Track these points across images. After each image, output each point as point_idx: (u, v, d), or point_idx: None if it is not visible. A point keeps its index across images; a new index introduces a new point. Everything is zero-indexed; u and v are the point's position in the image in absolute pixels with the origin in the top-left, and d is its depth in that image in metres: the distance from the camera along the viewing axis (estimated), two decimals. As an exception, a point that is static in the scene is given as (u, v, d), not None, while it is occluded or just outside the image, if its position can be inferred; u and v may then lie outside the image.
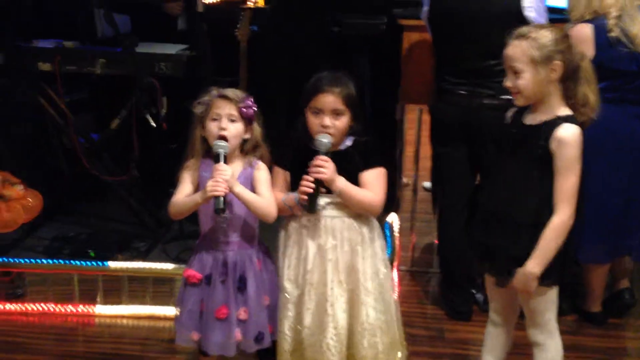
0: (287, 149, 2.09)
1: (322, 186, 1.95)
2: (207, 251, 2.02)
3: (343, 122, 1.98)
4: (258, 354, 2.13)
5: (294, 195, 1.99)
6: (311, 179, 1.92)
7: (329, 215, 1.99)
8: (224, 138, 1.94)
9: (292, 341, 2.02)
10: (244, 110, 1.96)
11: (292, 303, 2.01)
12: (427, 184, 3.61)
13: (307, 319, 1.98)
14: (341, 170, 1.96)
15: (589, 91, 1.85)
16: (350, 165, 2.00)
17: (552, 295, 1.97)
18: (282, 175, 2.06)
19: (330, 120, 1.96)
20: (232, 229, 2.00)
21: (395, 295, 2.19)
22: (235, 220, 1.99)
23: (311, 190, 1.92)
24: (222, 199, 1.87)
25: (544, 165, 1.84)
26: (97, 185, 3.52)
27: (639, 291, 2.97)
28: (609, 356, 2.59)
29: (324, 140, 1.95)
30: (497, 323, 2.14)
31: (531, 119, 1.90)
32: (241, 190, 1.92)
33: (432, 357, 2.53)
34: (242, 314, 1.98)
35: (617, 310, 2.86)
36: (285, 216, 2.08)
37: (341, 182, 1.95)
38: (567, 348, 2.47)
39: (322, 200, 1.98)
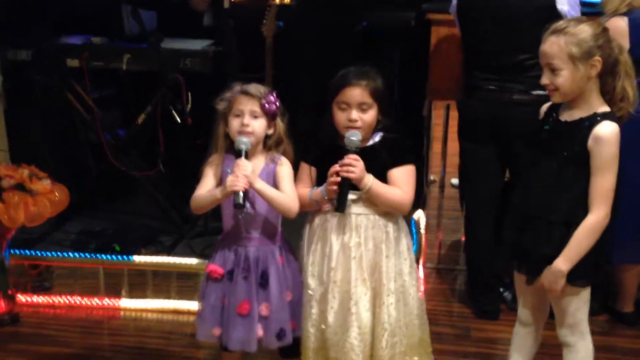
0: (314, 145, 2.06)
1: (351, 185, 1.91)
2: (229, 247, 2.00)
3: (371, 115, 1.94)
4: (280, 351, 2.12)
5: (320, 190, 1.96)
6: (339, 170, 1.89)
7: (355, 212, 1.96)
8: (246, 134, 1.93)
9: (316, 340, 1.99)
10: (267, 106, 1.94)
11: (316, 300, 1.98)
12: (455, 181, 3.56)
13: (331, 318, 1.96)
14: (368, 167, 1.92)
15: (628, 85, 1.79)
16: (378, 162, 1.95)
17: (584, 295, 1.91)
18: (308, 170, 2.04)
19: (357, 114, 1.92)
20: (254, 225, 1.98)
21: (421, 294, 2.14)
22: (257, 216, 1.97)
23: (339, 180, 1.89)
24: (241, 194, 1.85)
25: (579, 163, 1.79)
26: (124, 180, 3.55)
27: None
28: (641, 358, 2.53)
29: (353, 138, 1.91)
30: (525, 322, 2.09)
31: (567, 115, 1.84)
32: (262, 186, 1.91)
33: (457, 356, 2.49)
34: (264, 310, 1.96)
35: (651, 311, 2.79)
36: (310, 212, 2.06)
37: (370, 180, 1.92)
38: (598, 349, 2.40)
39: (349, 197, 1.94)
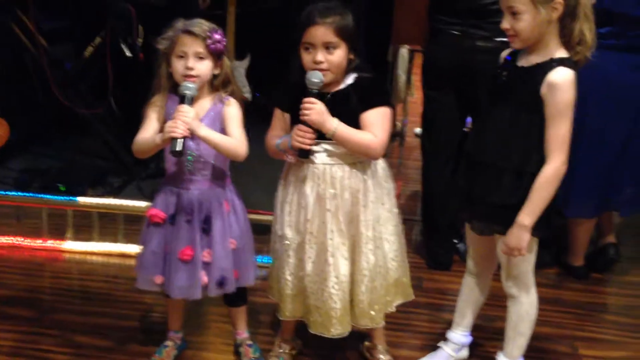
0: (285, 90, 1.93)
1: (320, 134, 1.81)
2: (172, 190, 1.91)
3: (338, 56, 1.81)
4: (225, 299, 2.06)
5: (287, 140, 1.86)
6: (309, 130, 1.78)
7: (328, 162, 1.87)
8: (191, 78, 1.80)
9: (294, 286, 1.95)
10: (212, 46, 1.81)
11: (293, 250, 1.92)
12: (419, 130, 3.50)
13: (309, 267, 1.91)
14: (341, 111, 1.82)
15: (586, 28, 1.71)
16: (350, 106, 1.84)
17: (530, 247, 1.87)
18: (281, 117, 1.92)
19: (323, 55, 1.79)
20: (199, 169, 1.89)
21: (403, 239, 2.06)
22: (202, 161, 1.88)
23: (307, 145, 1.80)
24: (180, 141, 1.75)
25: (532, 110, 1.72)
26: (74, 117, 3.39)
27: (624, 247, 2.90)
28: (588, 311, 2.53)
29: (314, 79, 1.79)
30: (474, 273, 2.07)
31: (525, 61, 1.77)
32: (206, 133, 1.80)
33: (406, 306, 2.46)
34: (206, 256, 1.89)
35: (601, 266, 2.81)
36: (285, 163, 1.96)
37: (333, 124, 1.81)
38: (547, 301, 2.41)
39: (321, 147, 1.85)
